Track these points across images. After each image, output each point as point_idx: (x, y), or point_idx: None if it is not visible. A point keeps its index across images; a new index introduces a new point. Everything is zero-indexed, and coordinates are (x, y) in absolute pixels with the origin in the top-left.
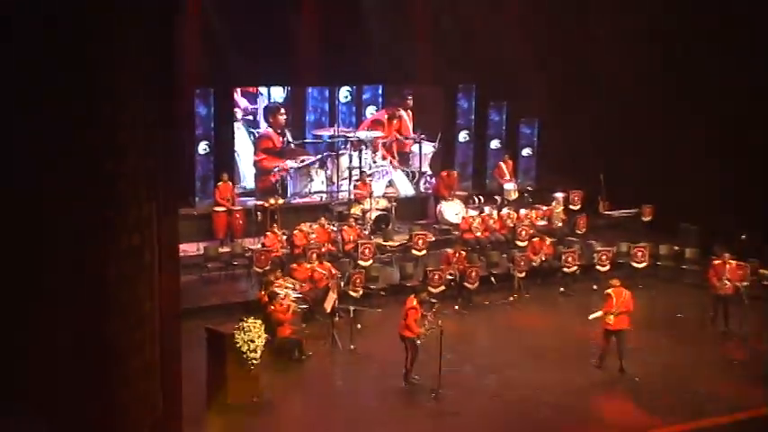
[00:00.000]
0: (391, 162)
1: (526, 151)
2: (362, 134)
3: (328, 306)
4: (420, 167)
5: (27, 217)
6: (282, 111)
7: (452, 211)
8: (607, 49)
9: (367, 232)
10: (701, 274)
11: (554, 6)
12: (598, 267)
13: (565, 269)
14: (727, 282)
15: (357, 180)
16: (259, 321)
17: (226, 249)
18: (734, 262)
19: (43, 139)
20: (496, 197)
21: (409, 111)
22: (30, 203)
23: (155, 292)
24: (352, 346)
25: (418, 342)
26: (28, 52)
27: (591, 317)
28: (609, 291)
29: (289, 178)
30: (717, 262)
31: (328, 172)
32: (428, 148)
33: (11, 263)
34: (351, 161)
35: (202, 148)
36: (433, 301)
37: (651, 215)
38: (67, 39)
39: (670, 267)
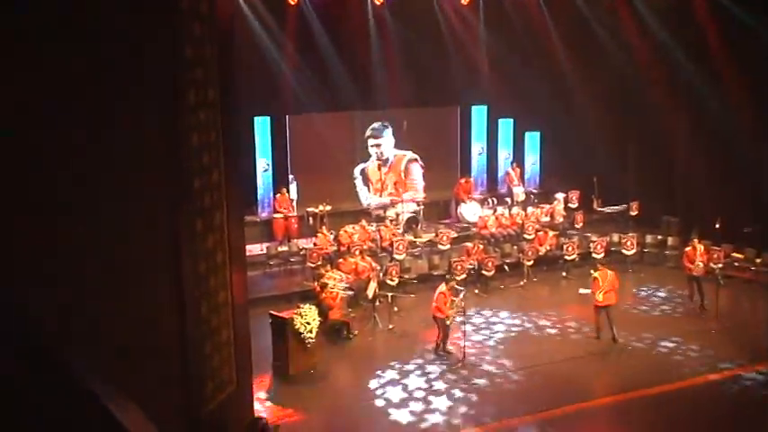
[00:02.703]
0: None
1: (531, 159)
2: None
3: (370, 293)
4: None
5: (139, 225)
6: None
7: (470, 211)
8: (594, 73)
9: (400, 231)
10: (680, 259)
11: (549, 39)
12: (594, 255)
13: (566, 257)
14: (699, 264)
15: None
16: (313, 307)
17: (284, 249)
18: (702, 247)
19: (147, 168)
20: (507, 199)
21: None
22: (141, 215)
23: (227, 285)
24: (390, 326)
25: (448, 322)
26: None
27: (581, 291)
28: (595, 274)
29: None
30: (688, 248)
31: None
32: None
33: (126, 258)
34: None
35: (262, 166)
36: (460, 288)
37: (638, 210)
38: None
39: (654, 254)
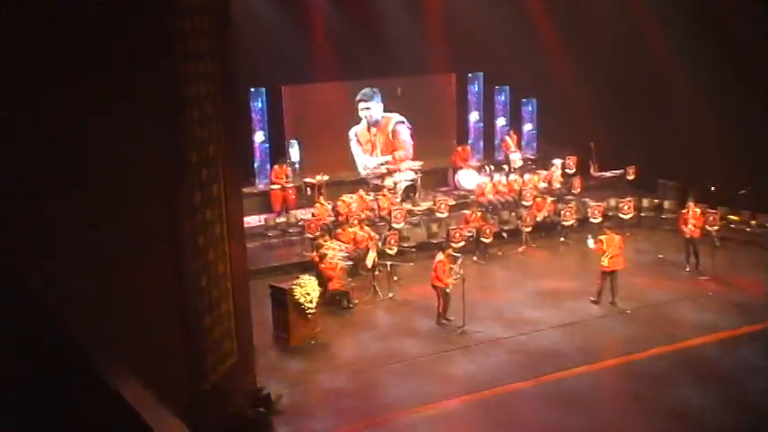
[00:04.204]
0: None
1: (528, 126)
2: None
3: (369, 262)
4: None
5: (137, 200)
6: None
7: (468, 179)
8: (587, 38)
9: (398, 200)
10: (677, 222)
11: (544, 4)
12: (592, 220)
13: (564, 223)
14: (693, 227)
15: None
16: (313, 278)
17: (282, 220)
18: (698, 210)
19: (146, 142)
20: (504, 166)
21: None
22: (138, 190)
23: (226, 257)
24: (390, 295)
25: (447, 290)
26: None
27: (589, 242)
28: (601, 237)
29: None
30: (684, 211)
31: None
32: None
33: (126, 233)
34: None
35: (259, 137)
36: (457, 255)
37: (634, 174)
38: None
39: (651, 217)
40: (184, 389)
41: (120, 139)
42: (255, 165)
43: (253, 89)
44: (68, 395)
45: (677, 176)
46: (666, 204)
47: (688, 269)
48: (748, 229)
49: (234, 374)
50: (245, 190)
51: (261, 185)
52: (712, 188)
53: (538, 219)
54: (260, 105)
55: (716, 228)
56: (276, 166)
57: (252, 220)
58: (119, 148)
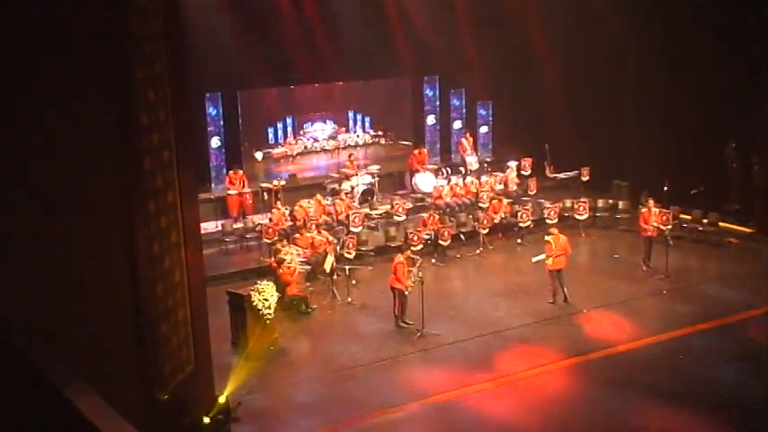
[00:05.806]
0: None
1: (483, 129)
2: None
3: (327, 267)
4: None
5: (91, 208)
6: None
7: (425, 181)
8: (542, 43)
9: (356, 204)
10: (631, 222)
11: (501, 8)
12: (548, 221)
13: (520, 224)
14: (653, 225)
15: (346, 161)
16: (271, 283)
17: (239, 225)
18: (657, 209)
19: (98, 149)
20: (461, 168)
21: None
22: (92, 198)
23: (182, 264)
24: (349, 299)
25: (407, 292)
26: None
27: (534, 259)
28: (548, 238)
29: None
30: (643, 210)
31: None
32: None
33: (88, 238)
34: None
35: (215, 142)
36: (416, 257)
37: (589, 175)
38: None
39: (606, 217)
40: (141, 398)
41: (72, 146)
42: (211, 170)
43: (208, 94)
44: (21, 406)
45: (630, 177)
46: (620, 204)
47: (645, 268)
48: (700, 229)
49: (192, 382)
50: (202, 196)
51: (217, 191)
52: (665, 188)
53: (495, 220)
54: (215, 111)
55: (669, 227)
56: (232, 171)
57: (209, 226)
58: (70, 155)
